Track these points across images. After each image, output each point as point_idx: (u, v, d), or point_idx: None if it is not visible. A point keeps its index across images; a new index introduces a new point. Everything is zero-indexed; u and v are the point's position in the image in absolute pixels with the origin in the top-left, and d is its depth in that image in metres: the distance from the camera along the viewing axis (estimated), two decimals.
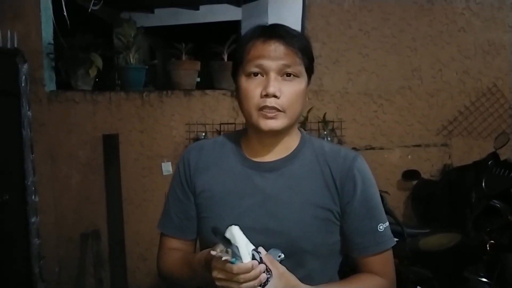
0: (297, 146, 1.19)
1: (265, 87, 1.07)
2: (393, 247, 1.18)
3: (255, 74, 1.09)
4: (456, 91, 3.38)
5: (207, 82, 3.51)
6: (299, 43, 1.10)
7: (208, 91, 3.24)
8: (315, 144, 1.20)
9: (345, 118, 3.23)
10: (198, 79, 3.45)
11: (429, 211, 3.19)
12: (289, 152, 1.18)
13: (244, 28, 3.75)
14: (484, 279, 2.39)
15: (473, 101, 3.39)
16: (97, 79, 3.26)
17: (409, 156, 3.37)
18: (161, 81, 3.49)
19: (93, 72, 3.11)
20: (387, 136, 3.33)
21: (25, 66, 2.96)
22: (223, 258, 0.95)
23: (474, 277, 2.41)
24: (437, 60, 3.35)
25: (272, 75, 1.08)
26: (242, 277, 0.93)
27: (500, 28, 3.39)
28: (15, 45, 2.93)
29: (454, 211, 2.98)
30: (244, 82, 1.11)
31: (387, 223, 1.16)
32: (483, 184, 2.68)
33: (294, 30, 1.13)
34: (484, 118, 3.40)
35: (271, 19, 4.73)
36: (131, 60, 3.19)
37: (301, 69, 1.11)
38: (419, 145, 3.38)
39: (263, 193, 1.14)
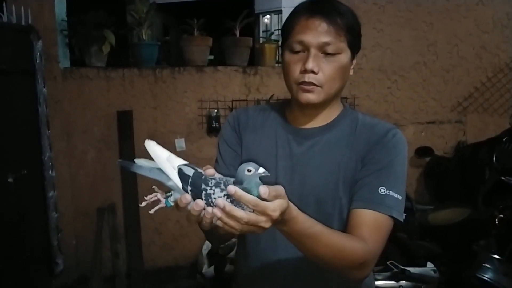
0: (336, 117, 1.22)
1: (304, 63, 1.10)
2: (402, 222, 1.16)
3: (297, 51, 1.12)
4: (473, 67, 3.32)
5: (219, 59, 3.49)
6: (343, 20, 1.11)
7: (220, 68, 3.24)
8: (355, 116, 1.22)
9: (358, 95, 3.21)
10: (211, 57, 3.44)
11: (442, 188, 3.18)
12: (328, 122, 1.21)
13: (257, 3, 3.70)
14: (494, 255, 2.38)
15: (490, 77, 3.33)
16: (110, 57, 3.27)
17: (423, 133, 3.34)
18: (174, 58, 3.48)
19: (106, 49, 3.12)
20: (400, 112, 3.30)
21: (39, 43, 2.97)
22: (151, 198, 0.89)
23: (483, 252, 2.40)
24: (453, 34, 3.28)
25: (312, 51, 1.10)
26: (183, 210, 0.87)
27: None
28: (29, 22, 2.95)
29: (467, 188, 2.97)
30: (287, 56, 1.15)
31: (397, 196, 1.11)
32: (494, 159, 2.66)
33: (341, 6, 1.13)
34: (501, 94, 3.34)
35: None
36: (144, 36, 3.19)
37: (343, 46, 1.12)
38: (433, 122, 3.35)
39: (297, 158, 1.19)
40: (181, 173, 0.86)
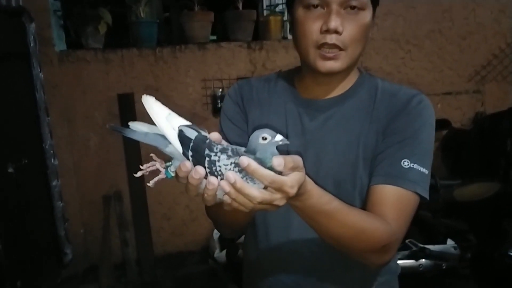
0: (352, 85, 1.08)
1: (326, 21, 0.94)
2: (427, 199, 1.01)
3: (315, 6, 0.96)
4: (491, 33, 3.14)
5: (222, 37, 3.33)
6: None
7: (223, 44, 3.08)
8: (374, 83, 1.08)
9: (370, 66, 3.05)
10: (214, 37, 3.28)
11: (460, 161, 3.05)
12: (343, 91, 1.07)
13: None
14: None
15: (509, 43, 3.16)
16: (109, 37, 3.12)
17: (439, 105, 3.19)
18: (175, 36, 3.33)
19: (102, 29, 2.97)
20: (415, 84, 3.14)
21: (32, 26, 2.83)
22: (148, 168, 0.78)
23: None
24: None
25: (334, 7, 0.94)
26: (183, 179, 0.74)
27: None
28: (20, 3, 2.80)
29: (487, 161, 2.84)
30: (301, 14, 0.98)
31: (422, 169, 0.98)
32: None
33: None
34: None
35: None
36: (142, 14, 3.03)
37: (366, 1, 0.97)
38: (449, 93, 3.19)
39: (310, 134, 1.06)
40: (181, 135, 0.73)
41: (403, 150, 0.99)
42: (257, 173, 0.69)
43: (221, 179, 0.71)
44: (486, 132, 2.96)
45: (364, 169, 1.02)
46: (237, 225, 1.07)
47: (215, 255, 3.15)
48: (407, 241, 2.52)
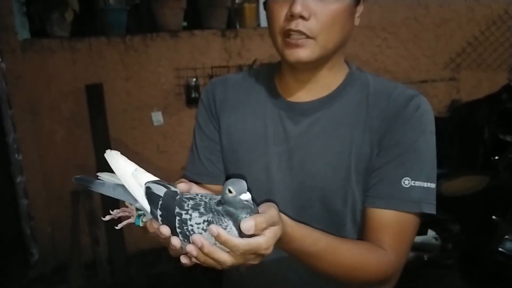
0: (341, 84, 0.96)
1: (291, 5, 0.85)
2: (435, 215, 0.92)
3: None
4: (465, 20, 3.15)
5: (195, 23, 3.23)
6: None
7: (196, 32, 2.98)
8: (365, 82, 0.96)
9: (346, 54, 3.00)
10: (185, 24, 3.17)
11: (439, 149, 3.04)
12: (330, 91, 0.96)
13: None
14: None
15: (483, 30, 3.17)
16: (75, 25, 2.98)
17: None
18: (146, 23, 3.21)
19: (69, 16, 2.83)
20: (392, 72, 3.11)
21: None
22: (117, 213, 0.78)
23: (504, 223, 2.25)
24: None
25: None
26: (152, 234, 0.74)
27: None
28: None
29: (465, 149, 2.83)
30: (271, 2, 0.89)
31: (426, 184, 0.89)
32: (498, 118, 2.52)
33: None
34: (494, 48, 3.19)
35: None
36: (111, 0, 2.90)
37: None
38: (425, 81, 3.19)
39: (294, 141, 0.95)
40: (149, 192, 0.70)
41: (402, 167, 0.89)
42: (228, 244, 0.66)
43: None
44: (463, 120, 2.94)
45: (357, 184, 0.92)
46: None
47: None
48: None
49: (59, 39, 2.89)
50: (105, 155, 0.75)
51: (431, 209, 0.89)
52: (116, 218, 0.78)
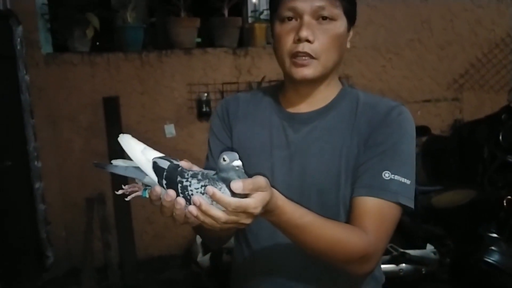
0: (335, 98, 1.12)
1: (298, 31, 1.01)
2: (412, 208, 1.04)
3: (289, 19, 1.03)
4: (468, 43, 3.25)
5: (207, 42, 3.38)
6: None
7: (209, 49, 3.13)
8: (355, 96, 1.12)
9: (352, 74, 3.12)
10: (199, 40, 3.33)
11: (440, 167, 3.12)
12: (325, 104, 1.11)
13: None
14: (500, 238, 2.32)
15: (486, 53, 3.26)
16: (95, 41, 3.15)
17: (419, 112, 3.27)
18: (161, 41, 3.38)
19: (90, 33, 2.99)
20: (396, 91, 3.22)
21: (20, 28, 2.86)
22: (129, 188, 0.87)
23: (488, 234, 2.34)
24: (448, 10, 3.20)
25: (306, 18, 1.01)
26: (156, 202, 0.84)
27: None
28: (8, 7, 2.82)
29: (465, 167, 2.91)
30: (278, 27, 1.06)
31: (404, 180, 1.01)
32: (500, 137, 2.59)
33: None
34: (497, 70, 3.28)
35: None
36: (129, 19, 3.07)
37: (338, 12, 1.03)
38: (429, 100, 3.28)
39: (295, 146, 1.10)
40: (155, 166, 0.82)
41: (383, 162, 1.02)
42: (221, 201, 0.77)
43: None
44: (464, 139, 3.03)
45: (346, 180, 1.05)
46: (221, 240, 1.15)
47: (198, 259, 3.15)
48: (388, 246, 2.55)
49: (79, 53, 3.05)
50: (118, 138, 0.86)
51: (408, 202, 1.01)
52: (127, 193, 0.88)
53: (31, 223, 2.99)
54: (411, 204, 1.01)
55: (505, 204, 2.20)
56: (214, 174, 0.81)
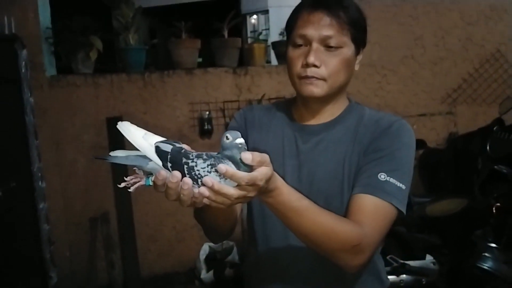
0: (341, 113, 1.20)
1: (306, 57, 1.11)
2: (404, 214, 1.11)
3: (300, 45, 1.13)
4: (460, 58, 3.36)
5: (208, 61, 3.47)
6: (346, 14, 1.11)
7: (210, 69, 3.21)
8: (361, 111, 1.21)
9: (349, 90, 3.17)
10: (200, 60, 3.42)
11: (436, 179, 3.20)
12: (333, 118, 1.20)
13: (244, 4, 3.69)
14: (492, 244, 2.39)
15: (477, 68, 3.37)
16: (98, 63, 3.22)
17: (415, 126, 3.36)
18: (163, 62, 3.45)
19: (93, 55, 3.06)
20: (392, 106, 3.31)
21: (24, 52, 2.91)
22: (131, 179, 0.86)
23: (481, 241, 2.41)
24: (439, 27, 3.32)
25: (314, 45, 1.11)
26: (161, 187, 0.83)
27: None
28: (13, 31, 2.88)
29: (461, 179, 2.99)
30: (290, 51, 1.16)
31: (399, 184, 1.07)
32: (488, 148, 2.68)
33: (345, 0, 1.13)
34: (488, 84, 3.38)
35: None
36: (131, 41, 3.15)
37: (345, 40, 1.11)
38: (424, 114, 3.37)
39: (304, 155, 1.18)
40: (158, 150, 0.82)
41: (380, 165, 1.09)
42: (235, 177, 0.80)
43: (201, 181, 0.80)
44: (459, 151, 3.11)
45: (348, 186, 1.13)
46: (222, 229, 1.17)
47: (202, 276, 3.18)
48: (388, 257, 2.60)
49: (83, 75, 3.11)
50: (118, 126, 0.85)
51: (401, 206, 1.07)
52: (129, 184, 0.87)
53: (35, 243, 3.00)
54: (403, 208, 1.08)
55: (494, 211, 2.27)
56: (217, 154, 0.82)
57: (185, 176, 0.80)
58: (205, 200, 0.82)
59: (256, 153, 0.82)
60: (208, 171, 0.79)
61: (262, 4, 3.55)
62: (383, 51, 3.26)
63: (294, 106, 1.25)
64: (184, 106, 3.18)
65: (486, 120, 3.09)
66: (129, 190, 0.88)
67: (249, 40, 3.47)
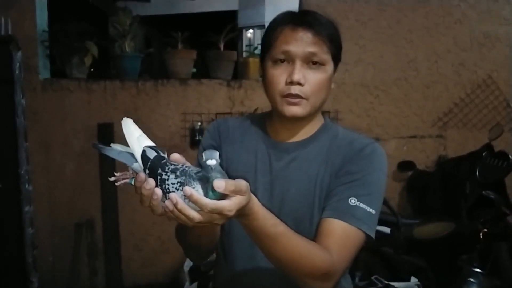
0: (316, 132, 1.20)
1: (290, 74, 1.08)
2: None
3: (282, 61, 1.10)
4: (452, 83, 3.39)
5: (203, 72, 3.48)
6: (327, 31, 1.11)
7: (204, 81, 3.22)
8: (335, 131, 1.20)
9: (341, 109, 3.23)
10: (194, 70, 3.43)
11: (424, 201, 3.21)
12: (307, 136, 1.19)
13: (241, 18, 3.73)
14: (477, 269, 2.40)
15: (469, 93, 3.41)
16: (92, 68, 3.22)
17: (405, 147, 3.38)
18: (157, 70, 3.46)
19: (88, 61, 3.07)
20: (383, 127, 3.33)
21: (19, 54, 2.91)
22: (121, 175, 0.89)
23: (467, 266, 2.42)
24: (433, 51, 3.36)
25: (298, 62, 1.09)
26: (139, 190, 0.85)
27: (495, 20, 3.41)
28: (9, 32, 2.89)
29: (448, 202, 3.00)
30: (270, 68, 1.12)
31: (369, 209, 1.07)
32: (477, 173, 2.70)
33: (324, 18, 1.13)
34: (479, 110, 3.42)
35: (268, 9, 4.72)
36: (127, 48, 3.16)
37: (327, 57, 1.11)
38: (414, 136, 3.39)
39: (276, 173, 1.17)
40: (143, 154, 0.84)
41: (351, 189, 1.08)
42: (198, 203, 0.79)
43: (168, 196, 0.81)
44: (447, 174, 3.13)
45: (319, 206, 1.11)
46: (202, 249, 1.17)
47: (185, 287, 3.15)
48: (373, 277, 2.59)
49: (77, 80, 3.11)
50: (122, 121, 0.90)
51: (370, 231, 1.07)
52: (118, 180, 0.90)
53: (18, 246, 2.96)
54: (372, 234, 1.08)
55: (481, 237, 2.28)
56: (197, 171, 0.81)
57: (157, 186, 0.82)
58: (169, 215, 0.82)
59: (231, 182, 0.80)
60: (176, 188, 0.80)
61: (259, 19, 3.58)
62: (376, 72, 3.29)
63: (269, 121, 1.23)
64: (177, 116, 3.18)
65: (476, 145, 3.12)
66: (116, 184, 0.91)
67: (244, 54, 3.49)
